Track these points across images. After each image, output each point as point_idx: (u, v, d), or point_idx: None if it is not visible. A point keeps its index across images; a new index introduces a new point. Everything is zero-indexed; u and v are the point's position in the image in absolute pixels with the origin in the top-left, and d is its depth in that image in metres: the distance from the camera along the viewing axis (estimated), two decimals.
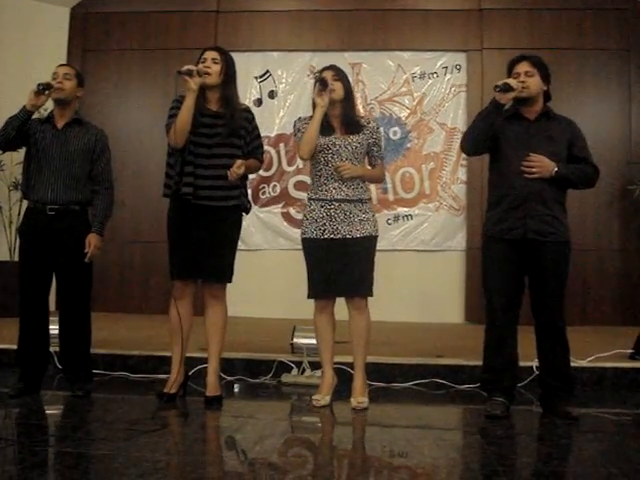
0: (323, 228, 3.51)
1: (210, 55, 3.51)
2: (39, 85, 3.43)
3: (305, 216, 3.61)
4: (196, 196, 3.39)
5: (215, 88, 3.50)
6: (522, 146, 3.38)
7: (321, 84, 3.47)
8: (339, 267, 3.48)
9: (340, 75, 3.58)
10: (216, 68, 3.48)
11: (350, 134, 3.56)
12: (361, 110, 6.55)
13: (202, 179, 3.40)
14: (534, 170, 3.29)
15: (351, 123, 3.58)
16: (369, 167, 3.69)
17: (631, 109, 6.64)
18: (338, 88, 3.53)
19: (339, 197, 3.51)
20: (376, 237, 3.59)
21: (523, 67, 3.41)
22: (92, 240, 3.58)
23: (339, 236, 3.49)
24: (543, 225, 3.33)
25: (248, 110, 3.63)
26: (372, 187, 5.76)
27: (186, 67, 3.36)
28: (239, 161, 3.40)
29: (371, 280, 3.55)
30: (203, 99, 3.48)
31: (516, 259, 3.39)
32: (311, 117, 3.55)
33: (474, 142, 3.47)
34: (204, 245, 3.44)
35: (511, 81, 3.32)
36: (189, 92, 3.37)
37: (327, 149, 3.52)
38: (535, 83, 3.39)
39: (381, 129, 5.28)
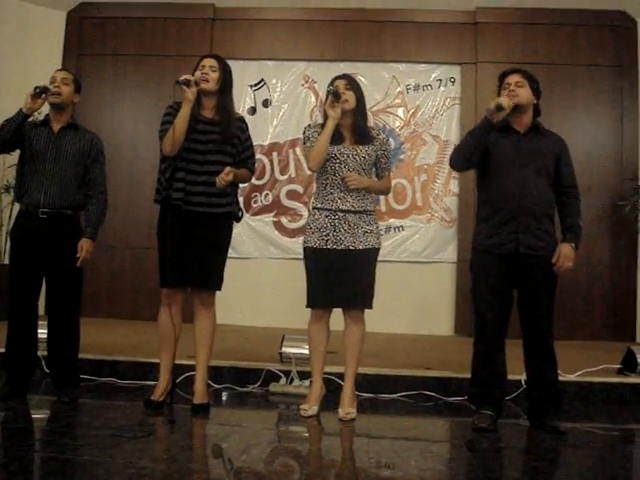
0: (326, 238, 3.49)
1: (208, 63, 3.51)
2: (36, 88, 3.42)
3: (309, 225, 3.58)
4: (187, 202, 3.39)
5: (211, 95, 3.50)
6: (513, 160, 3.41)
7: (334, 96, 3.44)
8: (340, 278, 3.47)
9: (352, 84, 3.56)
10: (214, 76, 3.49)
11: (359, 144, 3.54)
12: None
13: (193, 185, 3.40)
14: (570, 265, 3.38)
15: (362, 134, 3.56)
16: (376, 178, 3.68)
17: (623, 125, 6.67)
18: (350, 98, 3.51)
19: (344, 207, 3.50)
20: (378, 249, 3.58)
21: (514, 78, 3.45)
22: (84, 245, 3.57)
23: (342, 247, 3.48)
24: (534, 239, 3.35)
25: (242, 120, 3.64)
26: None
27: (184, 77, 3.36)
28: (228, 168, 3.40)
29: (372, 293, 3.54)
30: (198, 106, 3.48)
31: (506, 273, 3.40)
32: (321, 125, 3.54)
33: (464, 159, 3.48)
34: (194, 252, 3.43)
35: (503, 100, 3.34)
36: (185, 102, 3.37)
37: (335, 158, 3.50)
38: (525, 93, 3.43)
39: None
